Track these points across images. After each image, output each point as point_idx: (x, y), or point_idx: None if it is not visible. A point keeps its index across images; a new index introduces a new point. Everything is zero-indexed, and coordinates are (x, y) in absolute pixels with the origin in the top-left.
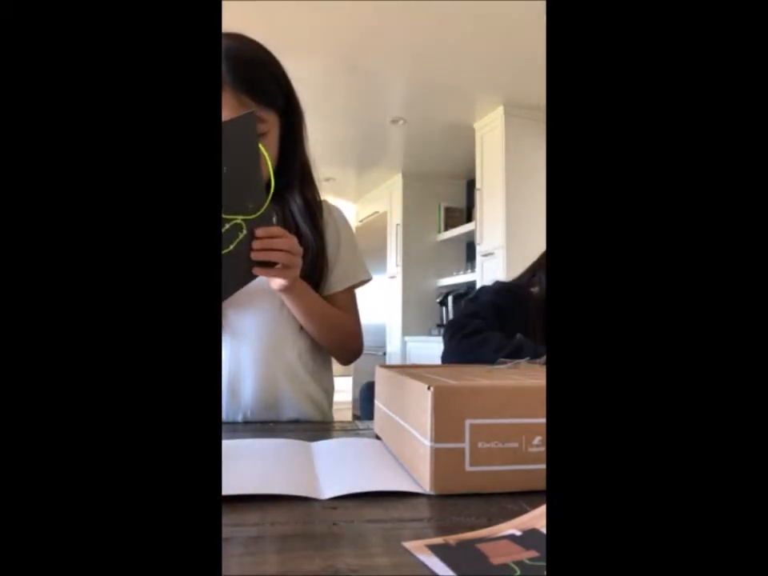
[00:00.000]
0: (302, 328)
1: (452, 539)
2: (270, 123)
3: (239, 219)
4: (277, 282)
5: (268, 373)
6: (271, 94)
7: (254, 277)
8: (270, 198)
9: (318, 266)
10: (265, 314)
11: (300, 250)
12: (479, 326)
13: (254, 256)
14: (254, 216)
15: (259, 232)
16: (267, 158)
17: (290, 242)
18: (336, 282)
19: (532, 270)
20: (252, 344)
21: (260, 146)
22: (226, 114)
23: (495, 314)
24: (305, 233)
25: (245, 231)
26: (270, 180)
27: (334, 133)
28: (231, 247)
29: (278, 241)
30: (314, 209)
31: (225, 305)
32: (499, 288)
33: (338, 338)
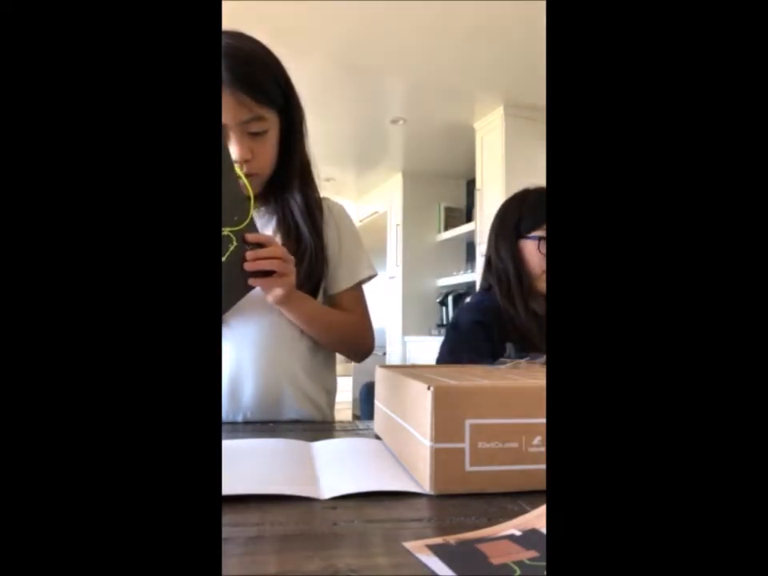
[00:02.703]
0: (302, 331)
1: (452, 539)
2: (270, 122)
3: (227, 231)
4: (273, 295)
5: (268, 376)
6: (270, 92)
7: (250, 288)
8: (252, 207)
9: (317, 268)
10: (264, 317)
11: (291, 258)
12: (471, 360)
13: (248, 266)
14: (240, 227)
15: (249, 237)
16: (238, 169)
17: (280, 248)
18: (340, 280)
19: (486, 282)
20: (252, 347)
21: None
22: (227, 113)
23: (482, 331)
24: (303, 233)
25: (235, 242)
26: (248, 189)
27: (333, 133)
28: (224, 258)
29: (268, 249)
30: (314, 209)
31: None
32: (476, 305)
33: (344, 342)
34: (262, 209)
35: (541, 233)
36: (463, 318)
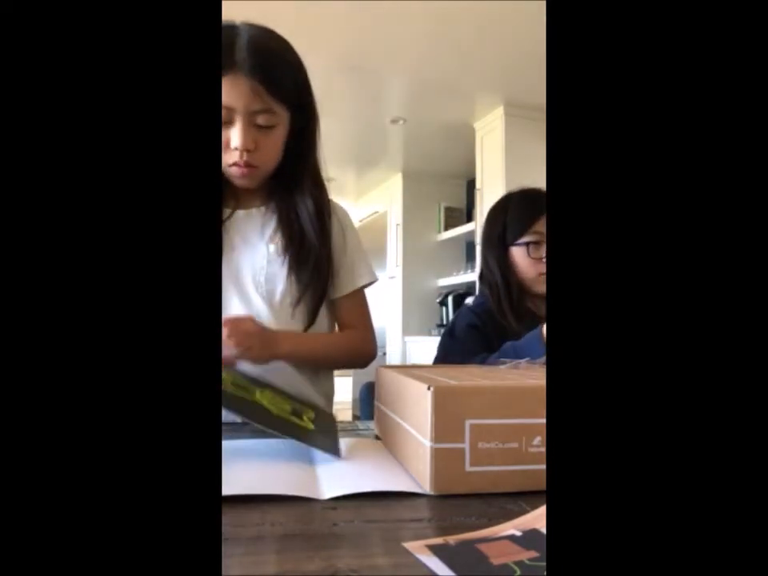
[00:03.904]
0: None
1: (452, 539)
2: (279, 117)
3: None
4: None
5: (265, 379)
6: (285, 88)
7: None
8: None
9: (321, 274)
10: (263, 322)
11: (248, 328)
12: (462, 362)
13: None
14: None
15: None
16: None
17: (229, 321)
18: (341, 285)
19: (484, 289)
20: None
21: None
22: (239, 99)
23: (476, 334)
24: (309, 239)
25: None
26: None
27: (333, 133)
28: None
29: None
30: (324, 215)
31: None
32: (474, 308)
33: (346, 362)
34: (263, 207)
35: (528, 238)
36: (459, 323)
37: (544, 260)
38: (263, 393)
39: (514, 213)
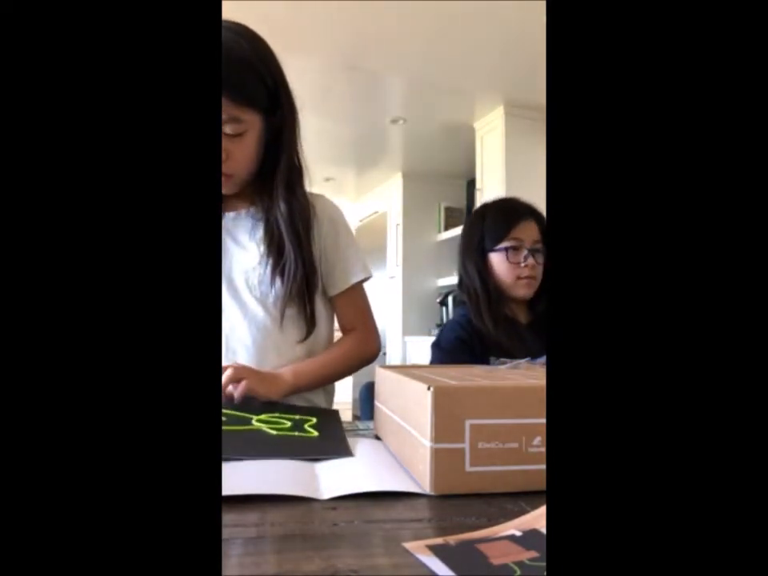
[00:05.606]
0: (299, 341)
1: (452, 539)
2: (249, 123)
3: None
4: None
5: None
6: (250, 92)
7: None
8: None
9: (302, 280)
10: (258, 324)
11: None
12: None
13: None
14: None
15: None
16: None
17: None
18: (336, 282)
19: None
20: (247, 354)
21: None
22: None
23: (462, 347)
24: (284, 245)
25: None
26: None
27: (334, 133)
28: None
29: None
30: (297, 219)
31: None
32: (458, 320)
33: (355, 366)
34: (252, 209)
35: (506, 244)
36: (447, 336)
37: (522, 264)
38: (260, 417)
39: (491, 221)
